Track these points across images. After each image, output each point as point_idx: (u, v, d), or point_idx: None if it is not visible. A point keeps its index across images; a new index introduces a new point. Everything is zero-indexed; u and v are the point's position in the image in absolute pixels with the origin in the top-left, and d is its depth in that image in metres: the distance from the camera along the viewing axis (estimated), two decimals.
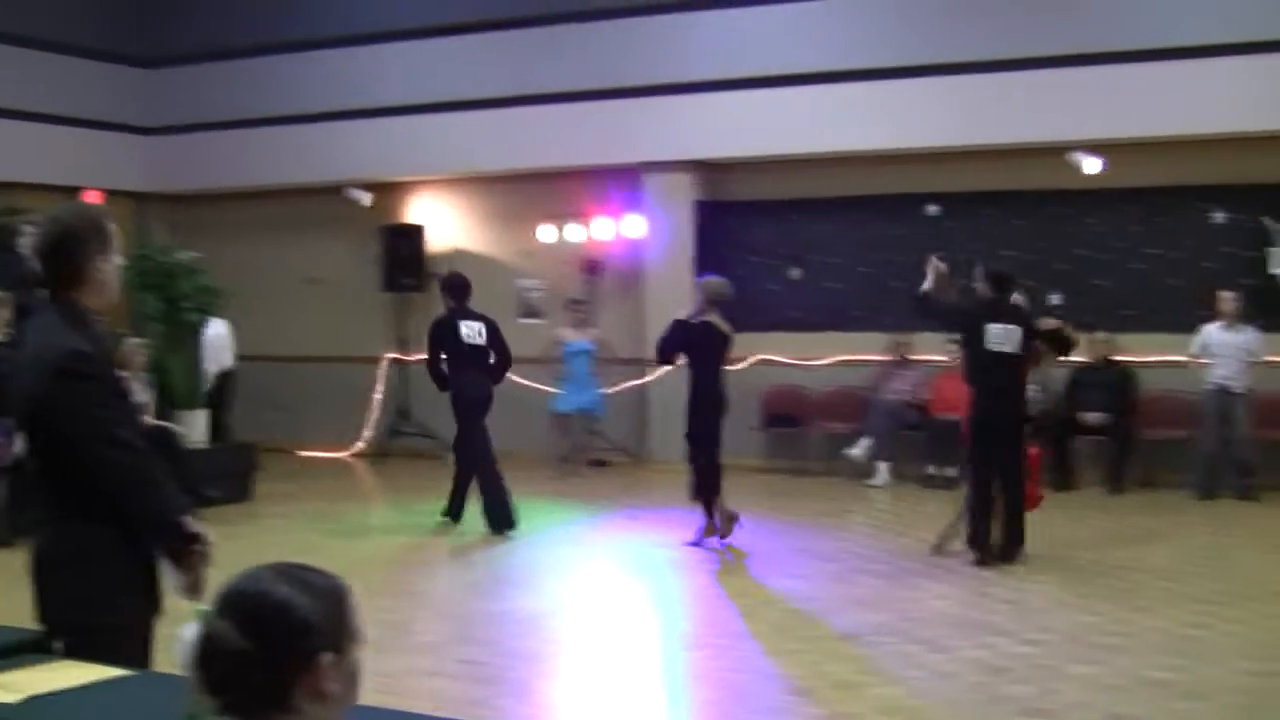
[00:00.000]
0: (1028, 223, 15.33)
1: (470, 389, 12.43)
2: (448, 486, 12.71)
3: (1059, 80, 14.36)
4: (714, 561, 11.23)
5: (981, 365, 10.95)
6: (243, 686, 2.42)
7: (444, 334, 12.61)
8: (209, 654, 2.42)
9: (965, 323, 11.34)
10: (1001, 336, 10.85)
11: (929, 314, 11.97)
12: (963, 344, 11.43)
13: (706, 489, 11.83)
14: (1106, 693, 7.24)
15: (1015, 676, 7.61)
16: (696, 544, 11.79)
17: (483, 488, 12.34)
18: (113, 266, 4.43)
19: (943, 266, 11.49)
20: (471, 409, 12.39)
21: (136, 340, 13.80)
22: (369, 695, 6.77)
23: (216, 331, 15.65)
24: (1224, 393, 13.66)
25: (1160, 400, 14.66)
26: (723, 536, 11.86)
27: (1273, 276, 14.19)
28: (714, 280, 12.16)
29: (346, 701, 2.55)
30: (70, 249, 4.36)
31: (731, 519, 11.95)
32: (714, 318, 11.81)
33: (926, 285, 11.37)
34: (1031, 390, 14.79)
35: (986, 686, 7.42)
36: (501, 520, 12.30)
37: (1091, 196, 14.97)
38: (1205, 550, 11.31)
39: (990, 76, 14.62)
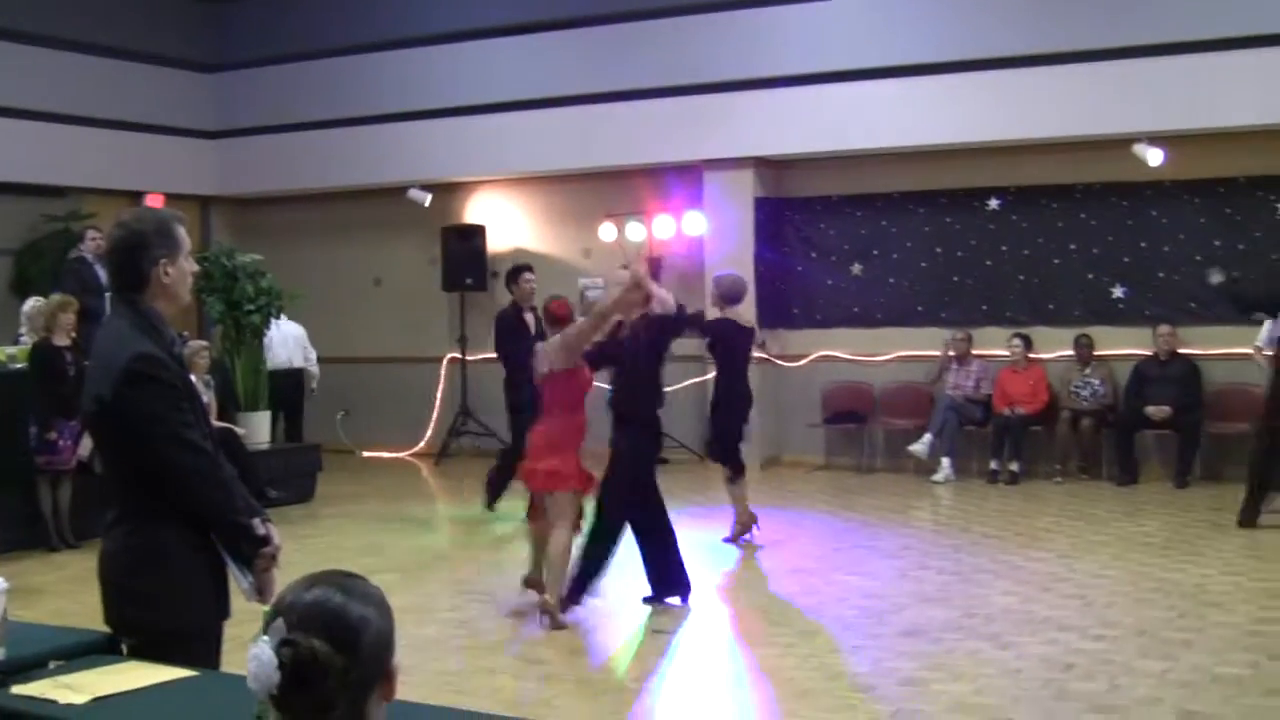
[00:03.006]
0: (1091, 216, 15.22)
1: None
2: (510, 484, 12.75)
3: (1121, 73, 14.24)
4: (776, 558, 11.20)
5: None
6: (339, 705, 2.42)
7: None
8: (310, 675, 2.40)
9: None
10: None
11: None
12: None
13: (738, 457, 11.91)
14: (1177, 689, 7.16)
15: (1083, 672, 7.55)
16: (733, 540, 11.89)
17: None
18: (180, 271, 4.42)
19: None
20: None
21: (198, 342, 13.91)
22: (434, 694, 6.78)
23: (277, 331, 15.75)
24: None
25: (1226, 393, 14.52)
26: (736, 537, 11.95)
27: None
28: (728, 276, 12.17)
29: None
30: (135, 253, 4.36)
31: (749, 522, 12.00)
32: (731, 314, 11.85)
33: None
34: (1096, 384, 14.81)
35: (1054, 683, 7.37)
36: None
37: (1156, 189, 14.85)
38: (1275, 544, 11.18)
39: (1052, 69, 14.51)
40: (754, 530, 11.92)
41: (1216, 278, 12.41)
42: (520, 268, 13.22)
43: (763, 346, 12.06)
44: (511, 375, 12.82)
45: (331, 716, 2.41)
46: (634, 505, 9.42)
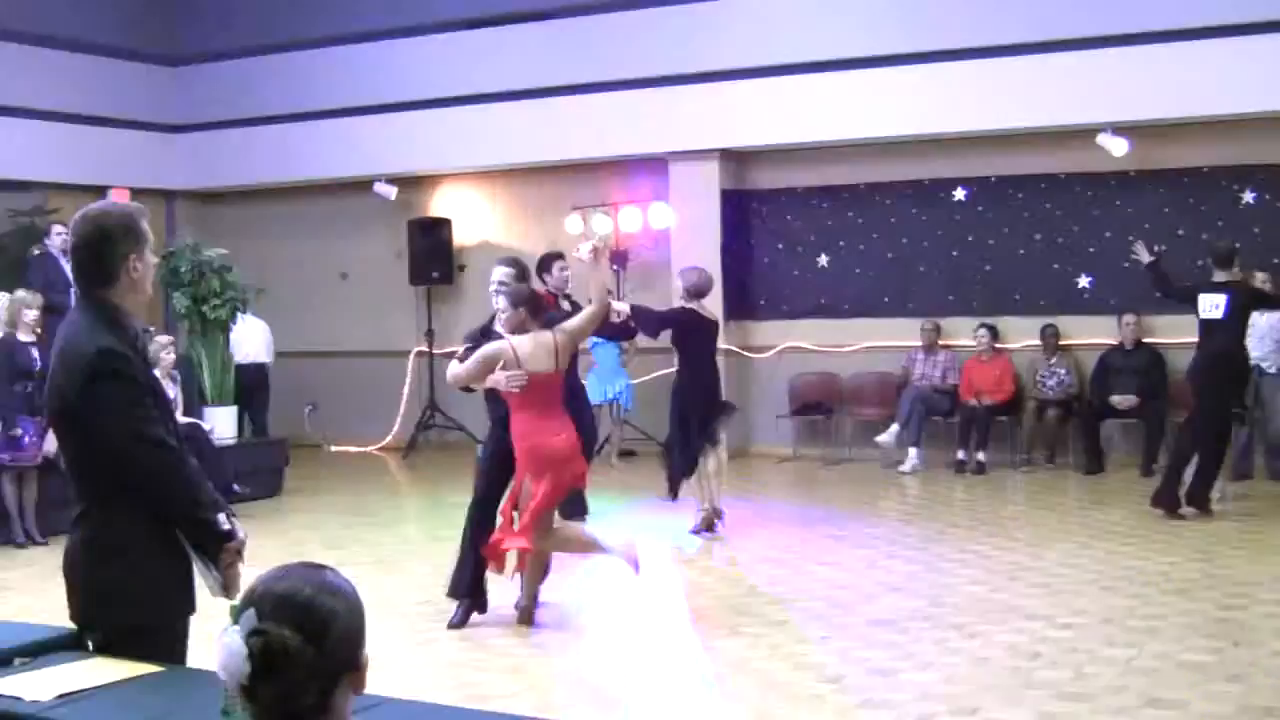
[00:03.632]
0: (1056, 206, 15.28)
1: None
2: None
3: (1086, 63, 14.28)
4: (744, 549, 11.22)
5: None
6: (308, 695, 2.42)
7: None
8: (279, 664, 2.42)
9: None
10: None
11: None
12: None
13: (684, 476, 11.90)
14: (1142, 676, 7.21)
15: (1049, 660, 7.59)
16: (699, 532, 11.91)
17: None
18: (146, 265, 4.42)
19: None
20: None
21: (164, 338, 13.86)
22: (402, 688, 6.78)
23: (244, 326, 15.72)
24: (1257, 374, 13.56)
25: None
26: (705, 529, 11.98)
27: None
28: (694, 270, 12.20)
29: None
30: (102, 248, 4.34)
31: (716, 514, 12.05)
32: (696, 306, 11.87)
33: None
34: (1062, 374, 14.88)
35: (1021, 671, 7.40)
36: None
37: (1120, 179, 14.91)
38: (1239, 532, 11.24)
39: (1016, 60, 14.55)
40: (718, 525, 11.92)
41: (1146, 256, 12.50)
42: (553, 256, 12.89)
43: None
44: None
45: (300, 706, 2.42)
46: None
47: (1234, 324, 11.84)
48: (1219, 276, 11.94)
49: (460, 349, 9.06)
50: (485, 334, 8.93)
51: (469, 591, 9.00)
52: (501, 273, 9.12)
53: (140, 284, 4.41)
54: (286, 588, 2.47)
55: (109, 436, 4.24)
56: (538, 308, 8.70)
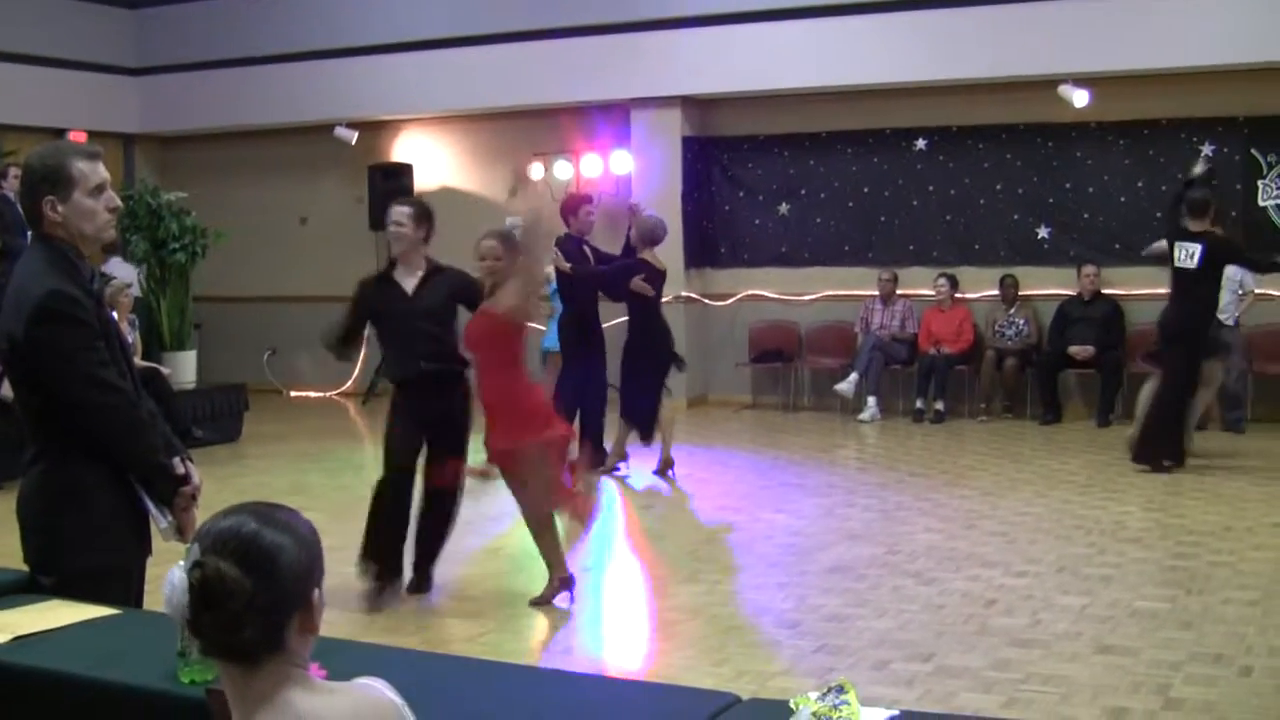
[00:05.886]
0: (1017, 157, 15.29)
1: None
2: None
3: (1048, 13, 14.28)
4: (703, 497, 11.26)
5: None
6: (248, 628, 2.43)
7: None
8: (217, 596, 2.43)
9: None
10: None
11: None
12: None
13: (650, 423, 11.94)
14: (1096, 623, 7.27)
15: (1004, 608, 7.64)
16: (660, 473, 12.03)
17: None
18: (73, 208, 4.28)
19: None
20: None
21: (121, 280, 13.77)
22: (363, 633, 6.77)
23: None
24: (1214, 325, 13.62)
25: (1149, 333, 14.60)
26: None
27: (1263, 209, 14.19)
28: (650, 218, 12.20)
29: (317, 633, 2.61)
30: (26, 191, 4.31)
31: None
32: (648, 255, 11.88)
33: None
34: (1020, 324, 14.92)
35: (976, 618, 7.45)
36: None
37: (1081, 130, 14.93)
38: (1193, 482, 11.31)
39: (980, 10, 14.52)
40: (670, 473, 11.97)
41: (1199, 167, 12.35)
42: (580, 198, 12.72)
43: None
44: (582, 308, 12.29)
45: (243, 640, 2.44)
46: None
47: (1209, 276, 11.63)
48: (1193, 226, 11.64)
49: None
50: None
51: None
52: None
53: (69, 227, 4.28)
54: (231, 523, 2.50)
55: (59, 379, 4.22)
56: None
